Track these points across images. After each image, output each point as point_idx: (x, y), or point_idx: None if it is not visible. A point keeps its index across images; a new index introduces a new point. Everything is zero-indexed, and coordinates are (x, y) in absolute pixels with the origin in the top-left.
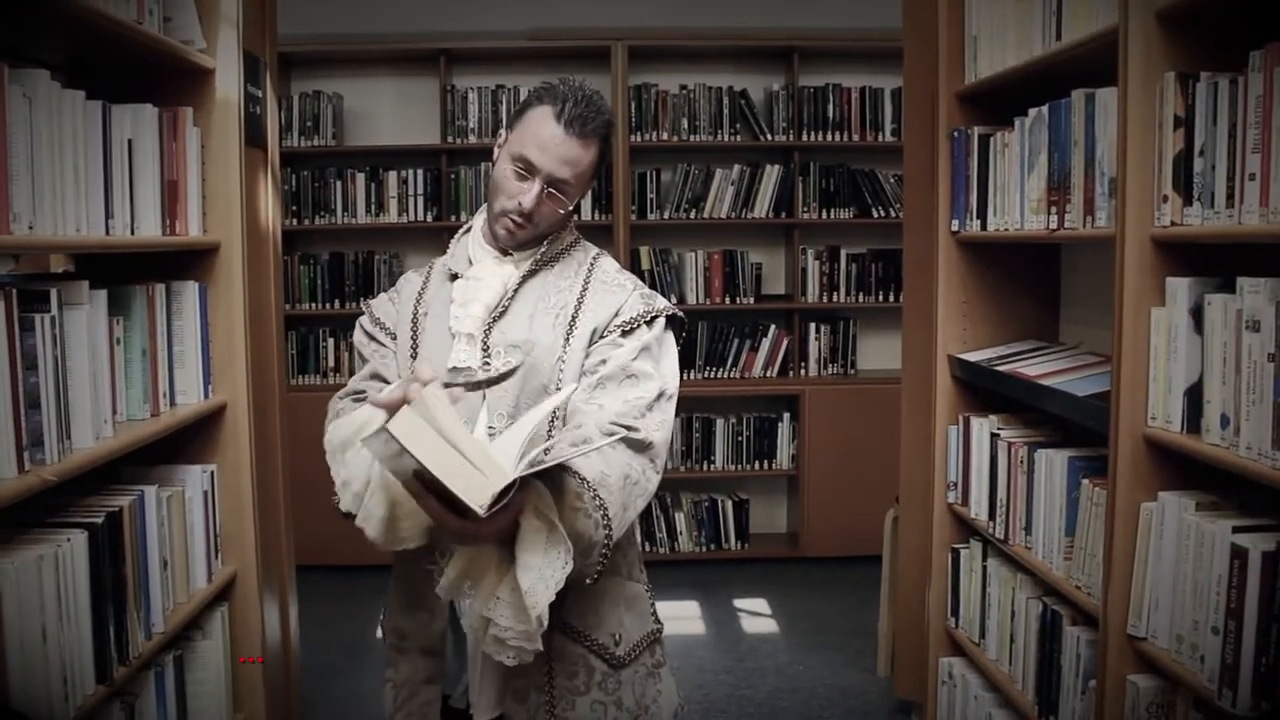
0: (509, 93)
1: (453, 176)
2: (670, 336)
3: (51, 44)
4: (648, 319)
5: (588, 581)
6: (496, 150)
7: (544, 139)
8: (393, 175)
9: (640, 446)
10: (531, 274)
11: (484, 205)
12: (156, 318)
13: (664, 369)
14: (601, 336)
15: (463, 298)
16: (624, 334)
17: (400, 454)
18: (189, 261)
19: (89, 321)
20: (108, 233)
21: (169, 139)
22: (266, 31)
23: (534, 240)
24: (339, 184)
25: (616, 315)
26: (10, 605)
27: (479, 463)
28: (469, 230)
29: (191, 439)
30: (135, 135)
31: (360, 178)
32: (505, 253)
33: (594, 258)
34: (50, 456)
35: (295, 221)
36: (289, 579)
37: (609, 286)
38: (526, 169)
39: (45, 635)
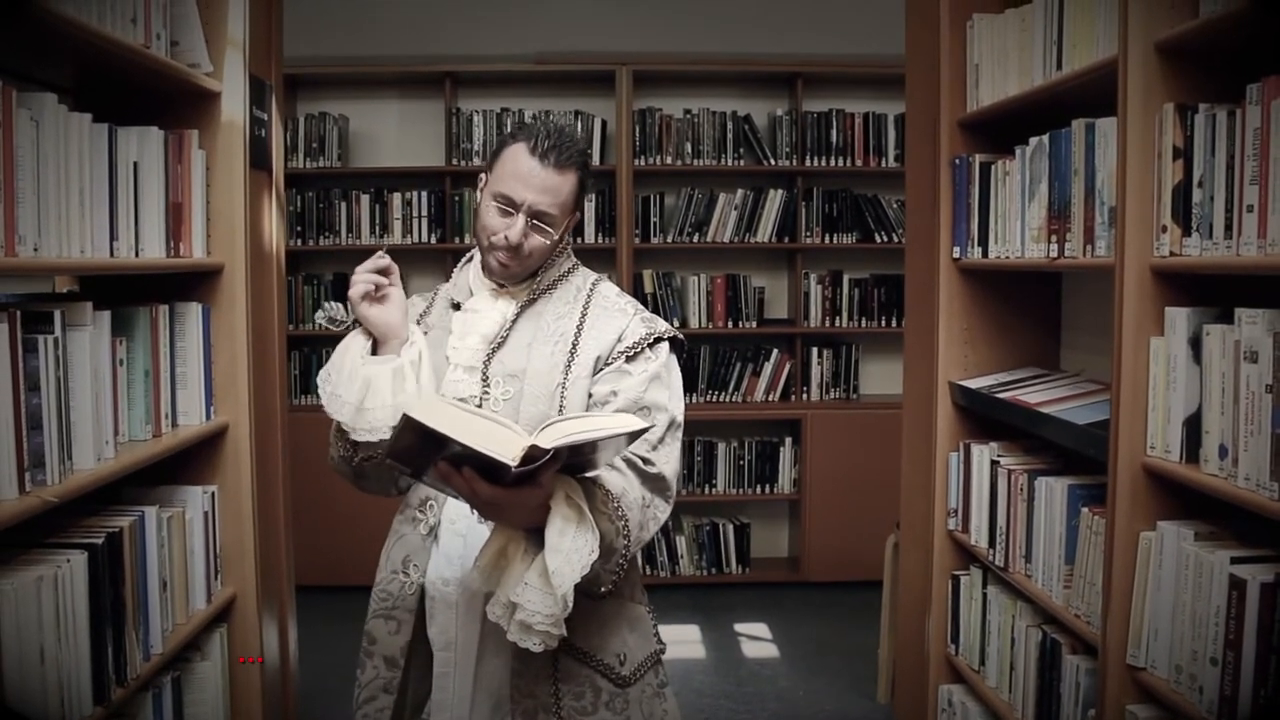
0: (514, 116)
1: (457, 199)
2: (675, 361)
3: (59, 67)
4: (650, 342)
5: (602, 590)
6: (479, 194)
7: (521, 173)
8: (397, 197)
9: (653, 480)
10: (529, 303)
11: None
12: (160, 339)
13: (674, 396)
14: (607, 363)
15: (460, 329)
16: (629, 360)
17: (422, 442)
18: (193, 283)
19: (92, 342)
20: (112, 254)
21: (174, 161)
22: (273, 55)
23: (527, 273)
24: (344, 205)
25: (619, 340)
26: (9, 626)
27: (503, 426)
28: (470, 260)
29: (193, 460)
30: (141, 158)
31: (365, 199)
32: (502, 286)
33: (593, 284)
34: (51, 477)
35: (300, 242)
36: (289, 600)
37: (609, 312)
38: (509, 204)
39: (43, 656)
